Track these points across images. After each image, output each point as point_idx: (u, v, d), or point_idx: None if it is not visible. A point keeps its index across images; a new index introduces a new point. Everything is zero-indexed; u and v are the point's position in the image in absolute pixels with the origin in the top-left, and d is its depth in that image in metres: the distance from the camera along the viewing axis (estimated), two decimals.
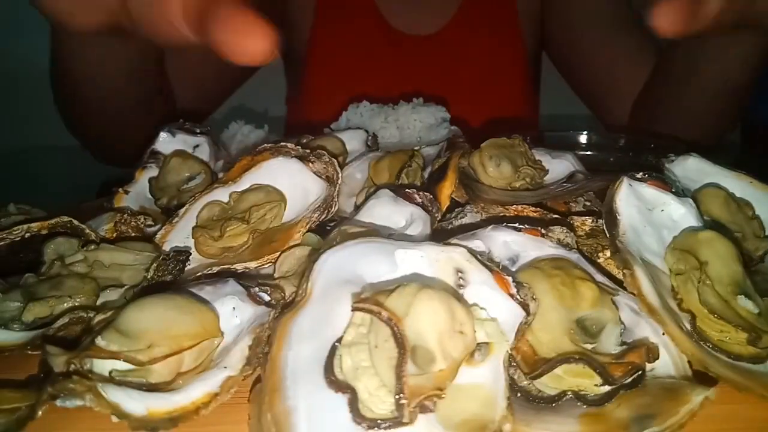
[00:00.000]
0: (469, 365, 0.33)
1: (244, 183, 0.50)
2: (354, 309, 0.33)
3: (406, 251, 0.37)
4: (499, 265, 0.38)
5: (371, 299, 0.33)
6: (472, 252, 0.37)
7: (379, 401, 0.31)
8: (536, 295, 0.36)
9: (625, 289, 0.40)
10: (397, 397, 0.30)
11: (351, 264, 0.36)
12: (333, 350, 0.33)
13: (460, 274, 0.36)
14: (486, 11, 1.19)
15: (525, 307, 0.35)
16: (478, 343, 0.34)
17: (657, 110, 0.99)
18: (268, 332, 0.37)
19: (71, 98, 0.91)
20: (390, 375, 0.31)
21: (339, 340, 0.33)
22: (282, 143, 0.51)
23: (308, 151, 0.51)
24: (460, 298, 0.35)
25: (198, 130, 0.63)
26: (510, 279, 0.36)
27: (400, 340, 0.31)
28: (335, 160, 0.50)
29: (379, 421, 0.30)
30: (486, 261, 0.37)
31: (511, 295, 0.35)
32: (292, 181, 0.50)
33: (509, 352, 0.34)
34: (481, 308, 0.35)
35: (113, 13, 0.46)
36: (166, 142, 0.61)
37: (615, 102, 1.11)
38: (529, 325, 0.36)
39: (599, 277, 0.40)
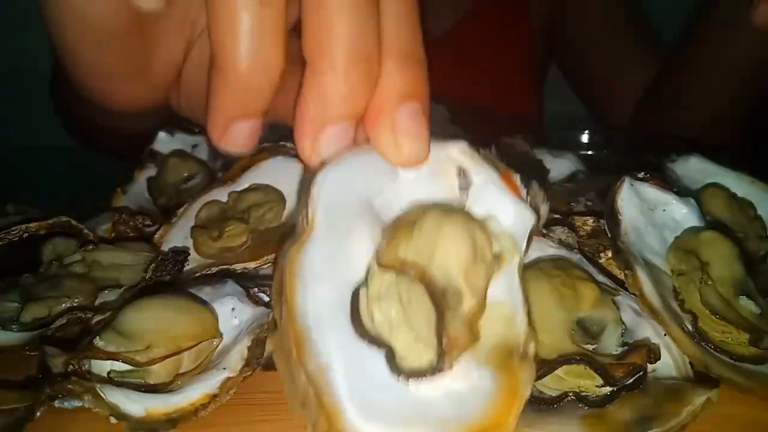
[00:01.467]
0: None
1: (244, 183, 0.50)
2: (380, 268, 0.30)
3: None
4: (503, 161, 0.34)
5: (392, 255, 0.30)
6: (474, 147, 0.34)
7: (416, 355, 0.29)
8: (535, 295, 0.35)
9: (626, 289, 0.39)
10: (439, 353, 0.28)
11: (350, 182, 0.32)
12: (355, 297, 0.30)
13: (462, 173, 0.33)
14: (496, 14, 1.18)
15: (536, 210, 0.33)
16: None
17: (674, 100, 0.99)
18: (267, 333, 0.37)
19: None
20: (429, 333, 0.29)
21: (359, 283, 0.30)
22: (281, 143, 0.51)
23: None
24: (476, 221, 0.32)
25: (197, 130, 0.63)
26: (518, 178, 0.33)
27: (436, 299, 0.29)
28: None
29: (419, 372, 0.29)
30: (490, 157, 0.34)
31: (521, 199, 0.33)
32: (291, 181, 0.49)
33: (521, 260, 0.32)
34: (491, 218, 0.33)
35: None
36: (164, 142, 0.61)
37: (615, 107, 1.12)
38: (536, 232, 0.33)
39: (600, 278, 0.40)
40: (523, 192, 0.33)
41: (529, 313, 0.31)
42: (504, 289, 0.31)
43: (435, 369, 0.29)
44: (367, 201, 0.32)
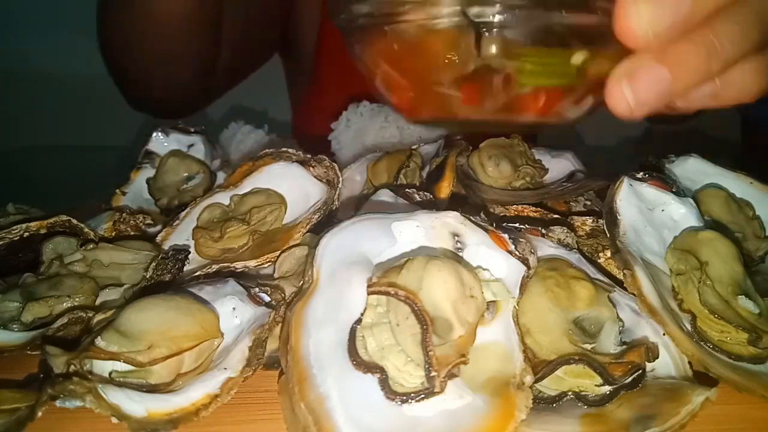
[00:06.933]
0: (481, 325, 0.34)
1: (246, 187, 0.50)
2: (370, 293, 0.34)
3: (401, 223, 0.37)
4: (492, 224, 0.38)
5: (384, 281, 0.34)
6: (465, 214, 0.37)
7: (408, 375, 0.32)
8: (528, 297, 0.37)
9: (625, 288, 0.39)
10: (427, 370, 0.31)
11: (352, 243, 0.36)
12: (353, 333, 0.33)
13: (456, 237, 0.37)
14: None
15: (525, 261, 0.36)
16: (487, 303, 0.35)
17: None
18: (268, 333, 0.37)
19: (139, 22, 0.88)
20: (417, 350, 0.32)
21: (356, 321, 0.34)
22: (283, 149, 0.51)
23: (309, 156, 0.51)
24: (465, 263, 0.36)
25: (192, 129, 0.63)
26: (506, 236, 0.37)
27: (421, 316, 0.32)
28: (335, 165, 0.50)
29: (411, 394, 0.31)
30: (480, 221, 0.37)
31: (510, 252, 0.36)
32: (293, 186, 0.50)
33: (516, 307, 0.36)
34: (484, 269, 0.36)
35: None
36: (159, 142, 0.61)
37: None
38: (530, 278, 0.37)
39: (597, 276, 0.40)
40: (512, 247, 0.37)
41: (525, 352, 0.34)
42: (501, 331, 0.35)
43: (426, 389, 0.31)
44: (366, 260, 0.36)
